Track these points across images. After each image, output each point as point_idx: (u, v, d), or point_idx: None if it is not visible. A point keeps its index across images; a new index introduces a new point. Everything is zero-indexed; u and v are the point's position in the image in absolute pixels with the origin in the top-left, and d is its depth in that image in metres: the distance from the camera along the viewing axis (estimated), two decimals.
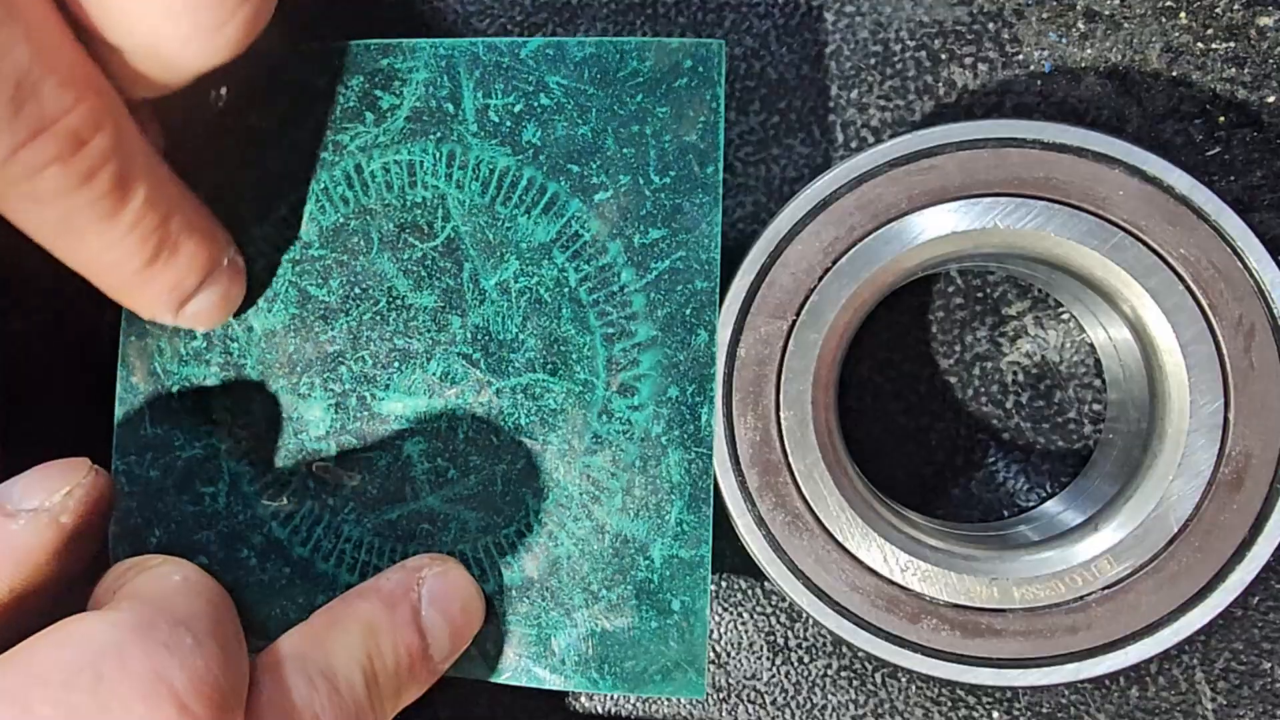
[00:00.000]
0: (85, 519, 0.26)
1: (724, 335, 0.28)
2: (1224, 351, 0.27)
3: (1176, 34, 0.31)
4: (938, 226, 0.27)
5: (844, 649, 0.33)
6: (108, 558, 0.30)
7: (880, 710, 0.33)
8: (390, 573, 0.28)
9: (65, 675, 0.21)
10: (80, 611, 0.24)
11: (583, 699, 0.34)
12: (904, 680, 0.33)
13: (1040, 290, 0.32)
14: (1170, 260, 0.27)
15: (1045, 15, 0.31)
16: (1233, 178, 0.31)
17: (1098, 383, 0.32)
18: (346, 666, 0.25)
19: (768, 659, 0.33)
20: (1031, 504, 0.32)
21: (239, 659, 0.24)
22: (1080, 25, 0.31)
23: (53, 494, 0.25)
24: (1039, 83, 0.32)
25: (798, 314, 0.28)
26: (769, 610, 0.33)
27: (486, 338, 0.29)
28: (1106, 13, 0.31)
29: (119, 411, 0.31)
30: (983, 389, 0.32)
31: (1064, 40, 0.31)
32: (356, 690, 0.25)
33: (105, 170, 0.24)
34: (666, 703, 0.34)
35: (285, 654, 0.25)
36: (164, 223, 0.26)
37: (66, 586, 0.26)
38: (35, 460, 0.26)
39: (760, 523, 0.28)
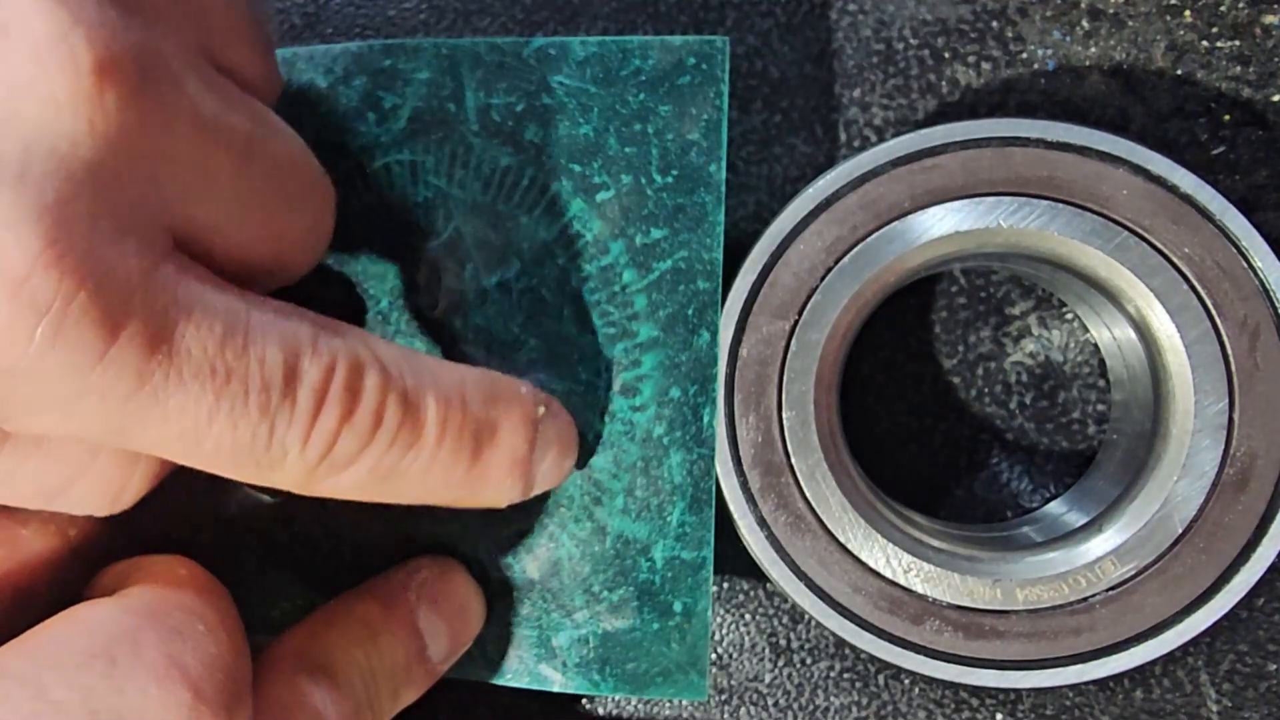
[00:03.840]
0: (90, 534, 0.26)
1: (726, 335, 0.28)
2: (1229, 351, 0.26)
3: (1181, 32, 0.31)
4: (941, 226, 0.27)
5: (846, 651, 0.33)
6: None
7: (883, 712, 0.33)
8: (389, 574, 0.28)
9: (79, 659, 0.21)
10: None
11: (584, 701, 0.34)
12: (907, 682, 0.33)
13: (1044, 290, 0.32)
14: (1174, 260, 0.27)
15: (1049, 13, 0.31)
16: (1238, 177, 0.31)
17: (1102, 383, 0.32)
18: (344, 664, 0.25)
19: (770, 661, 0.33)
20: (1035, 505, 0.32)
21: (244, 649, 0.24)
22: (1084, 23, 0.31)
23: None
24: (1043, 81, 0.31)
25: (800, 314, 0.28)
26: (771, 612, 0.33)
27: (488, 337, 0.29)
28: (1110, 11, 0.31)
29: None
30: (986, 389, 0.32)
31: (1068, 39, 0.31)
32: (355, 687, 0.25)
33: (389, 401, 0.23)
34: (668, 705, 0.34)
35: (285, 651, 0.25)
36: (464, 408, 0.24)
37: (68, 598, 0.26)
38: None
39: (762, 524, 0.28)
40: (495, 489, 0.25)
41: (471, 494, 0.25)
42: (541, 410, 0.26)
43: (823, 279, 0.28)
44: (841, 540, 0.28)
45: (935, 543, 0.28)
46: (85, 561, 0.26)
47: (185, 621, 0.22)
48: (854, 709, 0.33)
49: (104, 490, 0.23)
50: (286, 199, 0.24)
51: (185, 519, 0.31)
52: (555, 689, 0.29)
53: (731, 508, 0.28)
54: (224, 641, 0.22)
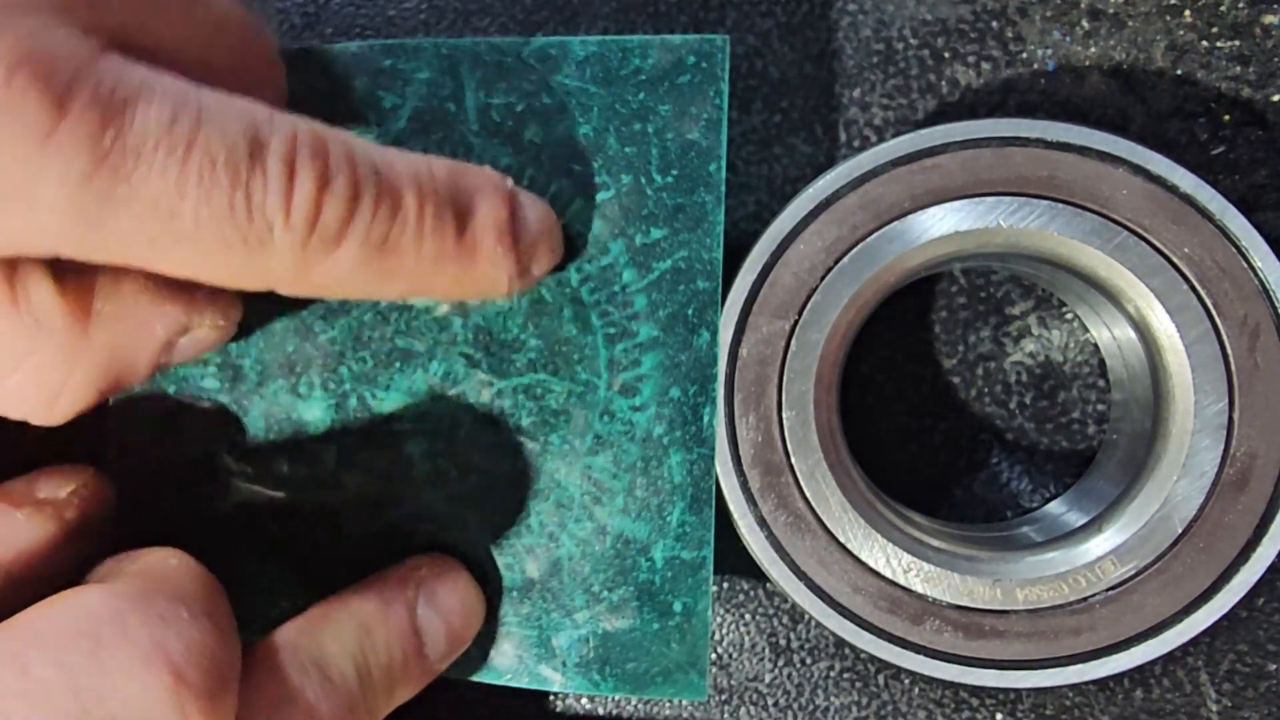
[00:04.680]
0: (86, 517, 0.26)
1: (725, 335, 0.28)
2: (1228, 351, 0.26)
3: (1181, 32, 0.31)
4: (940, 226, 0.27)
5: (846, 650, 0.33)
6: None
7: (883, 712, 0.33)
8: (389, 571, 0.28)
9: (65, 640, 0.21)
10: None
11: (584, 701, 0.34)
12: (907, 682, 0.33)
13: (1044, 290, 0.32)
14: (1174, 260, 0.27)
15: (1049, 13, 0.31)
16: (1237, 177, 0.31)
17: (1101, 383, 0.32)
18: (339, 658, 0.25)
19: (770, 660, 0.33)
20: (1035, 505, 0.32)
21: (233, 639, 0.24)
22: (1084, 23, 0.31)
23: (57, 490, 0.26)
24: (1042, 81, 0.31)
25: (800, 314, 0.28)
26: (771, 611, 0.33)
27: (488, 338, 0.29)
28: (1110, 11, 0.31)
29: (114, 412, 0.31)
30: (986, 389, 0.32)
31: (1068, 38, 0.31)
32: (349, 682, 0.25)
33: (361, 170, 0.23)
34: (668, 705, 0.34)
35: (278, 643, 0.25)
36: (434, 179, 0.24)
37: (63, 583, 0.26)
38: (30, 462, 0.27)
39: (762, 523, 0.28)
40: (489, 263, 0.25)
41: (467, 271, 0.25)
42: (509, 182, 0.26)
43: (823, 279, 0.28)
44: (841, 540, 0.28)
45: (935, 542, 0.28)
46: (80, 549, 0.26)
47: (171, 608, 0.22)
48: (854, 709, 0.33)
49: (39, 390, 0.23)
50: (232, 53, 0.25)
51: (185, 516, 0.31)
52: (555, 689, 0.29)
53: (731, 507, 0.28)
54: (209, 629, 0.23)
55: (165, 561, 0.25)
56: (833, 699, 0.33)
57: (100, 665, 0.21)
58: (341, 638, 0.26)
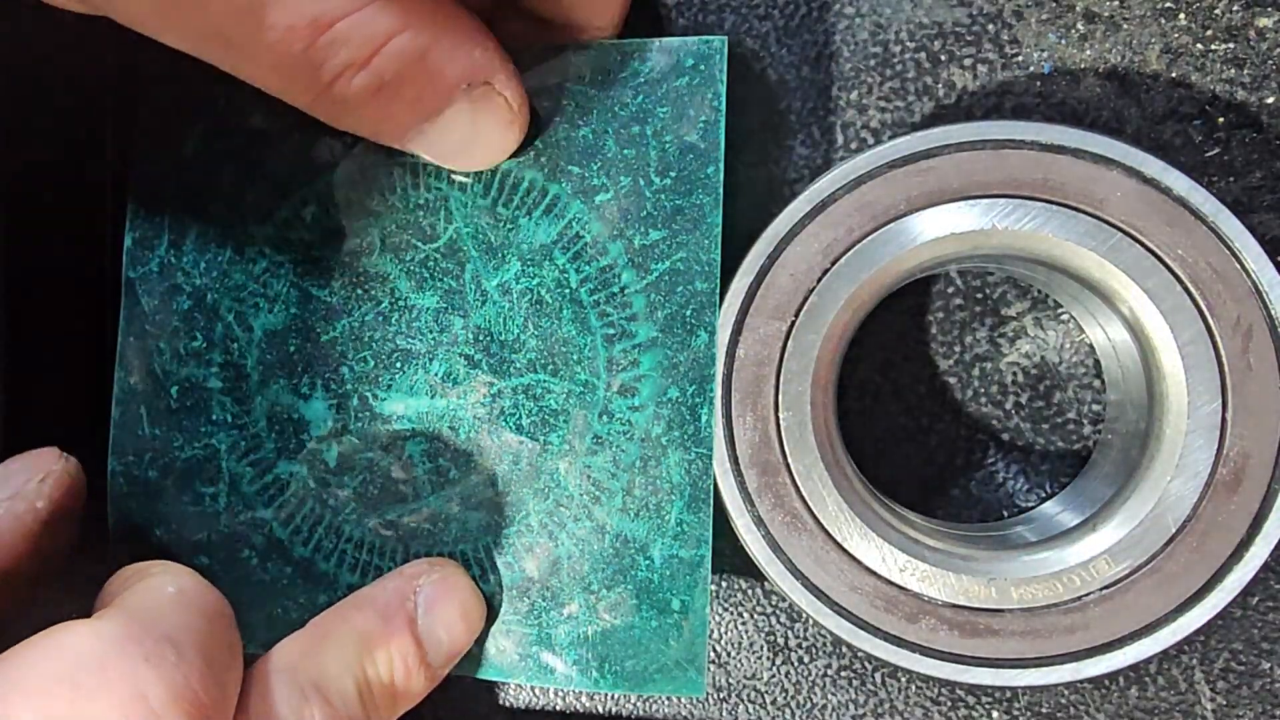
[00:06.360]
0: (60, 504, 0.27)
1: (723, 336, 0.28)
2: (1222, 352, 0.27)
3: (1176, 35, 0.31)
4: (937, 228, 0.27)
5: (843, 649, 0.33)
6: (92, 549, 0.30)
7: (880, 710, 0.33)
8: (387, 580, 0.28)
9: (45, 684, 0.21)
10: (58, 598, 0.24)
11: (583, 698, 0.34)
12: (903, 680, 0.33)
13: (1039, 291, 0.32)
14: (1168, 261, 0.27)
15: (1044, 16, 0.32)
16: (1232, 179, 0.31)
17: (1097, 383, 0.32)
18: (339, 678, 0.25)
19: (767, 659, 0.33)
20: (1030, 504, 0.32)
21: (226, 674, 0.24)
22: (1079, 26, 0.31)
23: (28, 482, 0.26)
24: (1038, 84, 0.32)
25: (797, 315, 0.28)
26: (769, 610, 0.33)
27: (488, 338, 0.29)
28: (1106, 14, 0.31)
29: (116, 412, 0.31)
30: (982, 389, 0.32)
31: (1063, 41, 0.31)
32: (349, 701, 0.25)
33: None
34: (666, 702, 0.34)
35: (277, 665, 0.25)
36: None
37: (43, 571, 0.26)
38: None
39: (759, 523, 0.28)
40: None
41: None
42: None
43: (819, 280, 0.28)
44: (838, 539, 0.28)
45: (931, 542, 0.28)
46: (58, 535, 0.26)
47: (155, 648, 0.22)
48: (851, 706, 0.33)
49: None
50: None
51: (187, 517, 0.31)
52: (554, 686, 0.29)
53: (729, 507, 0.28)
54: (196, 667, 0.22)
55: (163, 590, 0.24)
56: (830, 697, 0.33)
57: (77, 711, 0.21)
58: (341, 656, 0.25)
